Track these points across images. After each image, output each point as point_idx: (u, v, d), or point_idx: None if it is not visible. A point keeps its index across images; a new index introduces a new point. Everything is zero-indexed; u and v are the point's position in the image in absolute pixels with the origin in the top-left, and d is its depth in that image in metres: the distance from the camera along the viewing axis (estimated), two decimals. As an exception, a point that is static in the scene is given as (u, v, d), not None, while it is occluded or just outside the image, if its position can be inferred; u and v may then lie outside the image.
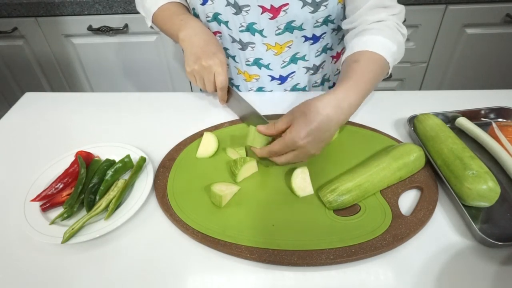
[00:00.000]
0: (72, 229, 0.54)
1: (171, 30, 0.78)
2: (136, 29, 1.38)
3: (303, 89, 0.88)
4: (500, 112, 0.72)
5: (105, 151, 0.68)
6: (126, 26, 1.36)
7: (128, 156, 0.65)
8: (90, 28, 1.36)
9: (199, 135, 0.72)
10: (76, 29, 1.38)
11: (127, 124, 0.77)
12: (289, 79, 0.86)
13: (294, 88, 0.88)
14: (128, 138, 0.72)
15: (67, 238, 0.53)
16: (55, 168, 0.65)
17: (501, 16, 1.32)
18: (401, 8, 0.74)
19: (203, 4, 0.76)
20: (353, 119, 0.74)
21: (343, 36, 0.83)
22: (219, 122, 0.75)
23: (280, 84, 0.87)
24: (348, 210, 0.57)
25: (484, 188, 0.53)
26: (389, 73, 0.72)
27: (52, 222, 0.56)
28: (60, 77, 1.55)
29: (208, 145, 0.68)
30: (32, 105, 0.85)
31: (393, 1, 0.73)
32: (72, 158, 0.66)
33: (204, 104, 0.82)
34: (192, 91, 1.57)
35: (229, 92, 0.77)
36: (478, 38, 1.39)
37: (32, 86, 1.57)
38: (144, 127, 0.76)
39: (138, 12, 1.34)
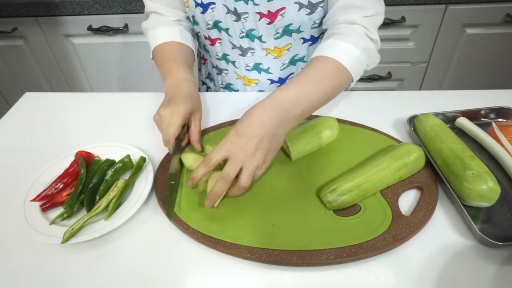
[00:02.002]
0: (72, 229, 0.54)
1: (162, 76, 0.75)
2: (136, 29, 1.38)
3: None
4: (500, 112, 0.72)
5: (105, 151, 0.68)
6: (126, 26, 1.36)
7: (128, 156, 0.65)
8: (90, 28, 1.36)
9: (199, 135, 0.71)
10: (76, 29, 1.38)
11: (127, 124, 0.77)
12: (288, 80, 0.86)
13: None
14: (128, 138, 0.72)
15: (67, 238, 0.53)
16: (55, 168, 0.65)
17: (501, 16, 1.32)
18: (377, 11, 0.69)
19: (203, 12, 0.76)
20: (353, 119, 0.74)
21: None
22: (219, 122, 0.75)
23: (279, 86, 0.87)
24: (348, 210, 0.57)
25: (484, 188, 0.53)
26: (354, 79, 0.69)
27: (52, 222, 0.56)
28: (60, 77, 1.55)
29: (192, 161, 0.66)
30: (32, 105, 0.85)
31: (368, 2, 0.68)
32: (72, 158, 0.65)
33: (204, 104, 0.82)
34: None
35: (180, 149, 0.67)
36: (478, 38, 1.39)
37: (32, 86, 1.57)
38: (144, 127, 0.76)
39: (138, 12, 1.35)
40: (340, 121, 0.74)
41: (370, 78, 1.48)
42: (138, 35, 1.40)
